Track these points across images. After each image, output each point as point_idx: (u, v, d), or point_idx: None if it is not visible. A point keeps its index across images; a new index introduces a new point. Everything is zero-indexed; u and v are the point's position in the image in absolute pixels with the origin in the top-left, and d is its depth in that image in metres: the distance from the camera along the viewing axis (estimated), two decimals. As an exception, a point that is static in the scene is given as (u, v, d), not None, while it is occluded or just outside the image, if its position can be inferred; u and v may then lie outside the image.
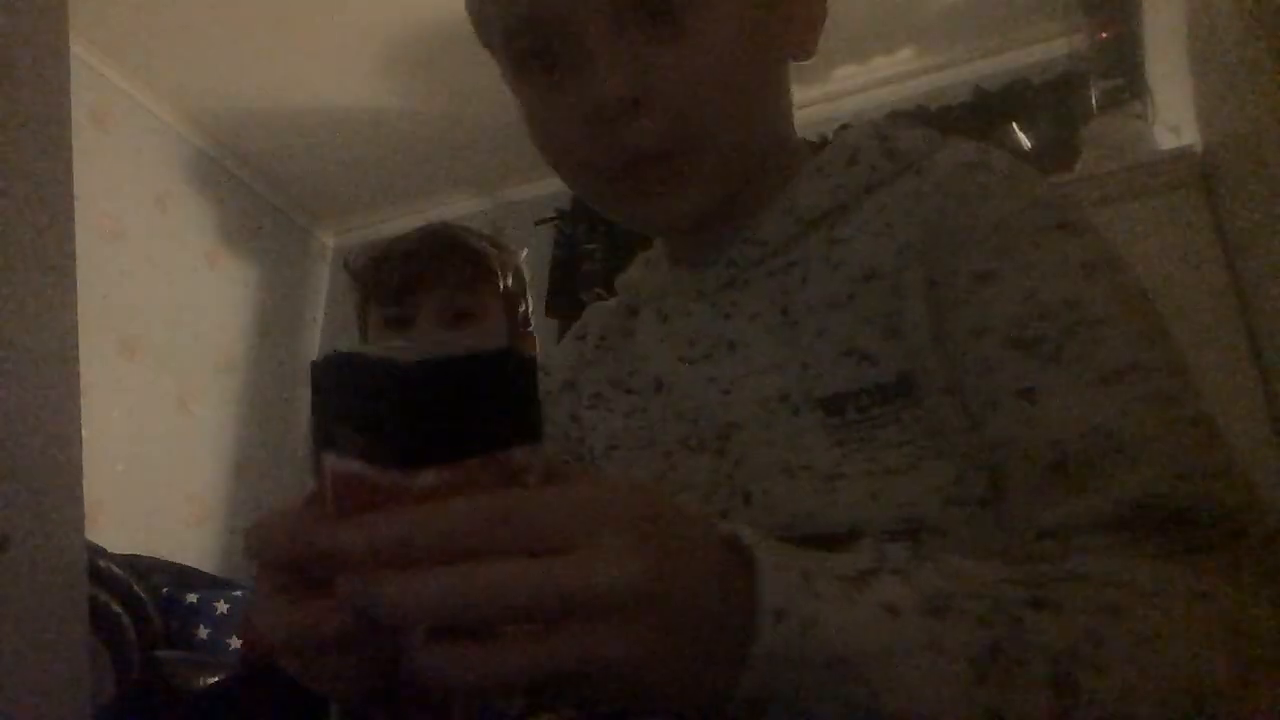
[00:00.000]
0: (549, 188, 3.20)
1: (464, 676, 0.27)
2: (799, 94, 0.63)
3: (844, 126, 0.77)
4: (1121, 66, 2.05)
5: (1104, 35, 2.10)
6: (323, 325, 3.67)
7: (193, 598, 2.40)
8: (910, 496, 0.47)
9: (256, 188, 3.38)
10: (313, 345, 3.63)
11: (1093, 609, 0.35)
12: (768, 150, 0.59)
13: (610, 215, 0.61)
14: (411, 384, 0.27)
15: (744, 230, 0.59)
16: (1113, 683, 0.33)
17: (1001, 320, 0.47)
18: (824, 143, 0.63)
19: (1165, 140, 1.86)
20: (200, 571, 2.62)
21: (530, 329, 1.30)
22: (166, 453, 2.83)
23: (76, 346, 0.74)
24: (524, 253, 1.35)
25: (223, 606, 2.41)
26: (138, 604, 2.18)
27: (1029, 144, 2.34)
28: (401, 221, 3.51)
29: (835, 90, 2.78)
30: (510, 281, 1.25)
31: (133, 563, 2.32)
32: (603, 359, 0.69)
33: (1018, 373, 0.46)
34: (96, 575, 2.03)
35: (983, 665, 0.32)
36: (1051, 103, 2.41)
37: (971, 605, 0.33)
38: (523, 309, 1.28)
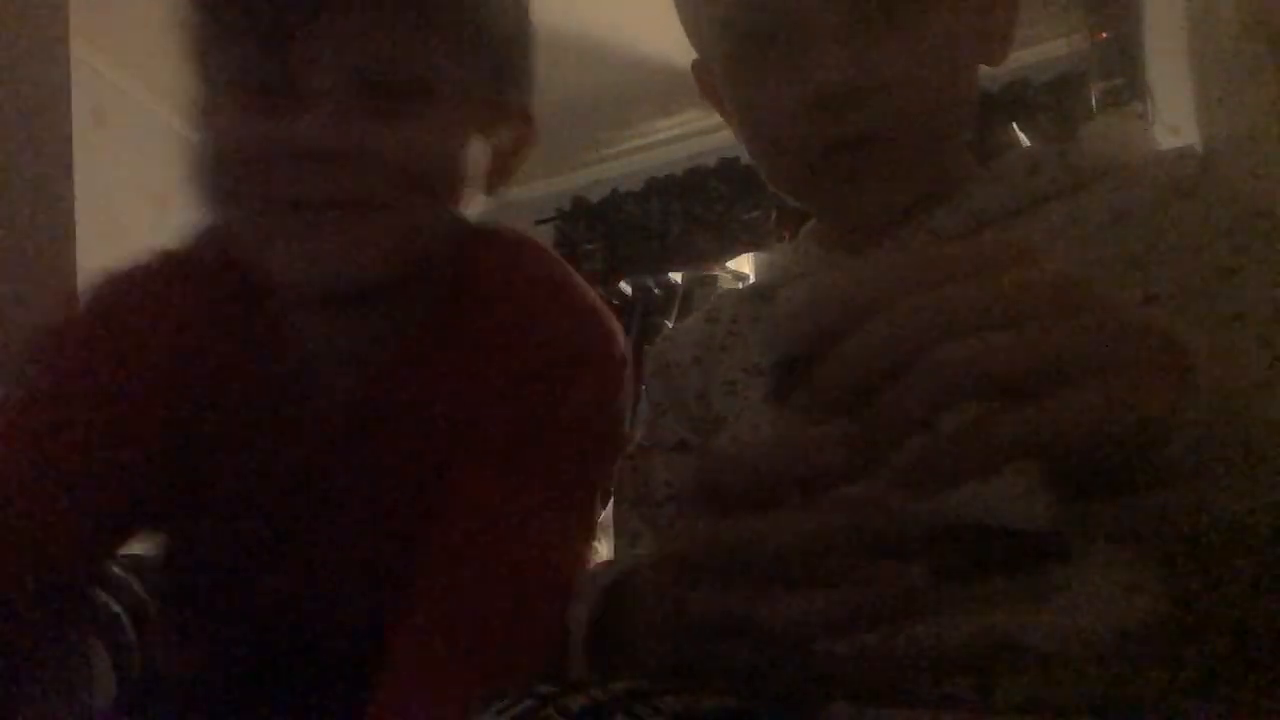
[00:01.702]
0: (549, 188, 3.20)
1: (1023, 430, 0.29)
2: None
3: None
4: (1121, 66, 2.05)
5: (1104, 35, 2.10)
6: (323, 325, 3.66)
7: (193, 598, 2.39)
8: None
9: (256, 188, 3.38)
10: (313, 345, 3.62)
11: None
12: (957, 149, 0.63)
13: (804, 201, 0.65)
14: None
15: (916, 220, 0.62)
16: None
17: (1259, 303, 0.48)
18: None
19: (1165, 140, 1.86)
20: (200, 571, 2.61)
21: (528, 105, 0.75)
22: (166, 453, 2.82)
23: (77, 347, 0.74)
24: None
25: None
26: (138, 604, 2.18)
27: (1029, 144, 2.35)
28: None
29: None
30: (496, 19, 0.64)
31: (133, 563, 2.32)
32: (735, 345, 0.70)
33: None
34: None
35: None
36: (1051, 103, 2.41)
37: None
38: (517, 68, 0.69)
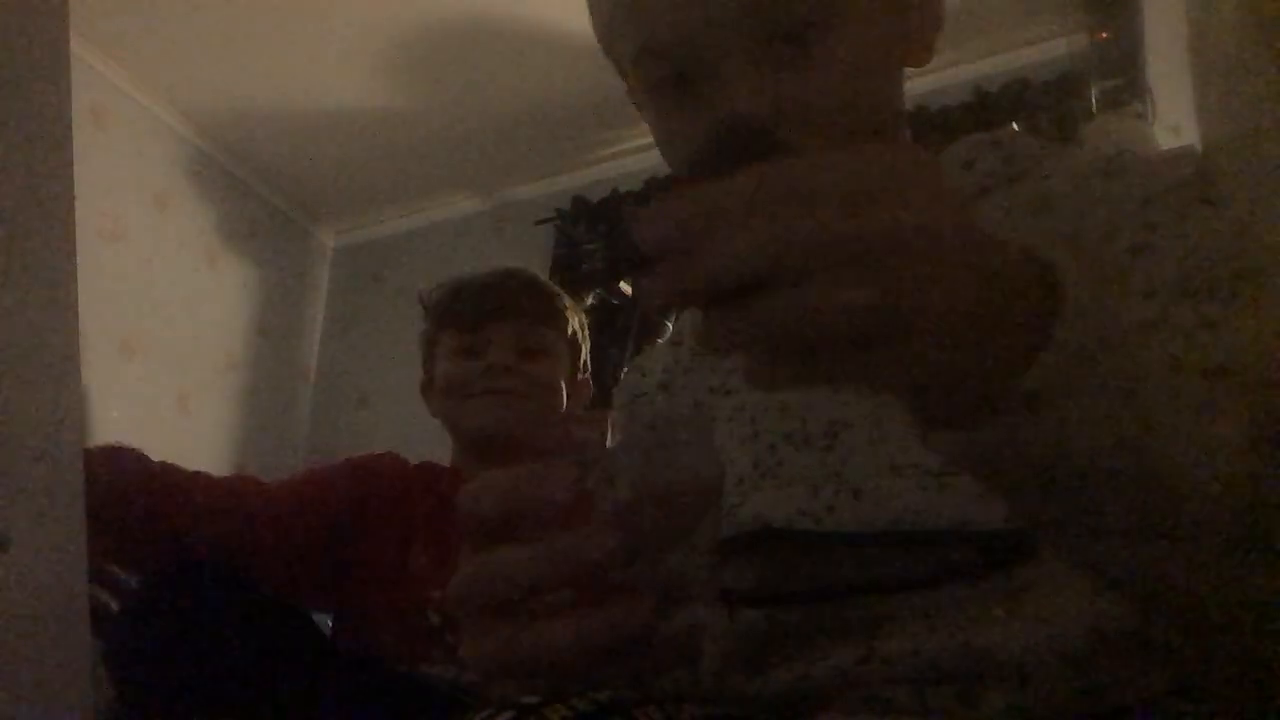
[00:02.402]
0: (549, 188, 3.20)
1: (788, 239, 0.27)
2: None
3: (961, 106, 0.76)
4: (1121, 66, 2.05)
5: (1104, 35, 2.10)
6: (323, 325, 3.67)
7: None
8: (1020, 497, 0.47)
9: (256, 188, 3.38)
10: (313, 345, 3.62)
11: None
12: None
13: None
14: None
15: None
16: None
17: (1168, 279, 0.47)
18: (920, 113, 0.63)
19: (1165, 140, 1.86)
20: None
21: (588, 375, 1.38)
22: (166, 453, 2.82)
23: (77, 346, 0.74)
24: (587, 303, 1.51)
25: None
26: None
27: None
28: (402, 221, 3.51)
29: (835, 90, 2.77)
30: (576, 326, 1.34)
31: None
32: (701, 365, 0.69)
33: (1192, 318, 0.44)
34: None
35: (1254, 435, 0.32)
36: (1051, 103, 2.40)
37: (1248, 378, 0.33)
38: (583, 357, 1.36)
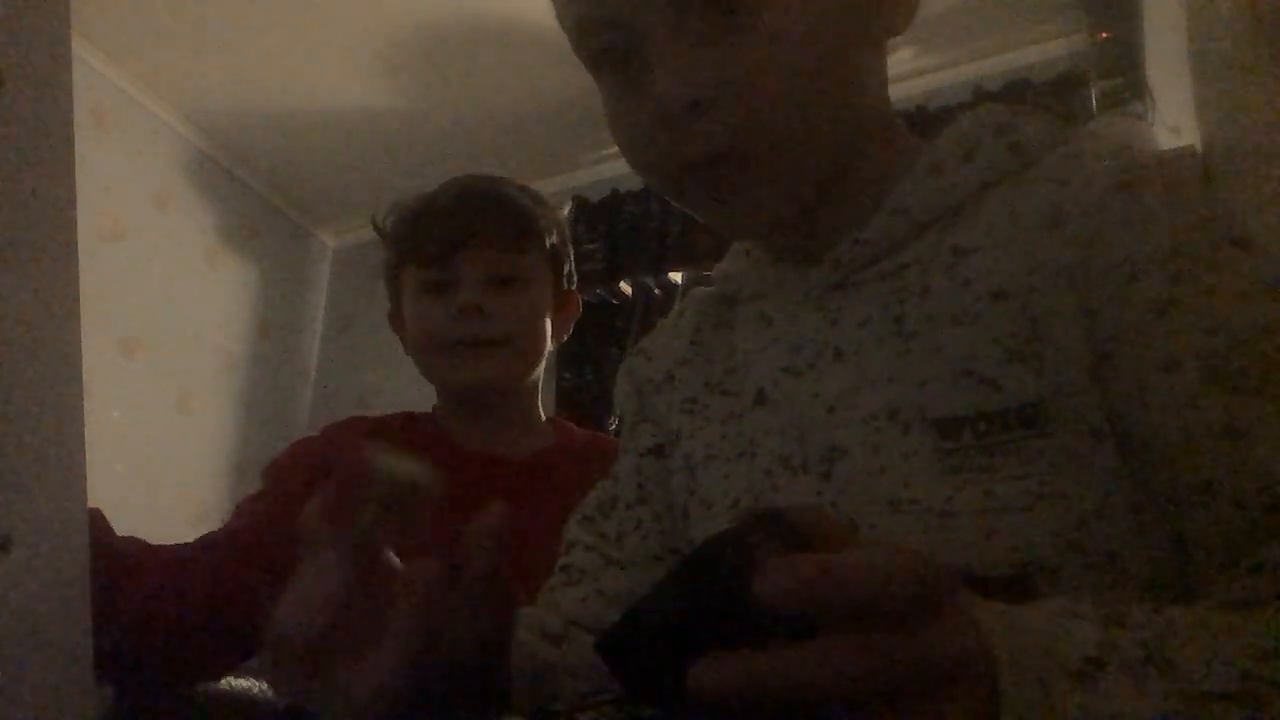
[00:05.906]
0: (548, 188, 3.20)
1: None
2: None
3: (961, 106, 0.71)
4: (1121, 66, 2.05)
5: (1104, 35, 2.10)
6: (323, 325, 3.67)
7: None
8: (1027, 539, 0.44)
9: (256, 188, 3.38)
10: (313, 345, 3.62)
11: None
12: (859, 140, 0.56)
13: (692, 213, 0.59)
14: None
15: (851, 229, 0.56)
16: None
17: (1193, 353, 0.44)
18: (920, 113, 0.59)
19: (1165, 140, 1.86)
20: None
21: (574, 287, 1.24)
22: (166, 453, 2.83)
23: (78, 346, 0.74)
24: (567, 207, 1.29)
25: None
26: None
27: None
28: (401, 221, 3.51)
29: (835, 90, 2.77)
30: (555, 239, 1.18)
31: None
32: (697, 357, 0.66)
33: (1220, 410, 0.43)
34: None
35: None
36: (1051, 103, 2.40)
37: None
38: (567, 268, 1.22)
